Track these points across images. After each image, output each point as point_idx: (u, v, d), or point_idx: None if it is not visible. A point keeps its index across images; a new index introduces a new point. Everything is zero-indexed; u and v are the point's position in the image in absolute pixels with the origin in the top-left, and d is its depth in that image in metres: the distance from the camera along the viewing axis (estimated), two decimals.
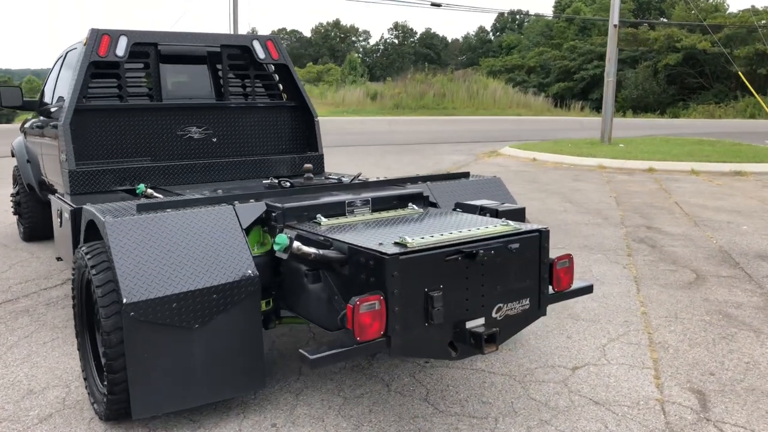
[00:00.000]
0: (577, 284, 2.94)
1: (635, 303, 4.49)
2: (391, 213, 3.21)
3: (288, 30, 76.86)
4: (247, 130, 5.02)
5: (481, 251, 2.48)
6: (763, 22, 40.53)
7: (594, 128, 20.14)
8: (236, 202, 3.04)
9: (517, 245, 2.61)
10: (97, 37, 4.36)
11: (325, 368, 3.39)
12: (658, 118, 39.77)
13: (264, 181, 4.07)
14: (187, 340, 2.64)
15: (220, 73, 4.96)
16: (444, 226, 2.81)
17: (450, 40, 79.86)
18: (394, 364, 3.48)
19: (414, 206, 3.33)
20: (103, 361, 2.72)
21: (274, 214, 3.01)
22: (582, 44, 49.26)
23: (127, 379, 2.58)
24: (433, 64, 60.05)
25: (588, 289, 3.02)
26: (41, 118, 5.50)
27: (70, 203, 3.81)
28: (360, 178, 4.15)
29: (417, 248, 2.39)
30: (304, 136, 5.25)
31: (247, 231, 2.99)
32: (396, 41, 76.74)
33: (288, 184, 3.82)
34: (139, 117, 4.57)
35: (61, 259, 4.25)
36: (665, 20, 50.44)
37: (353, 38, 77.94)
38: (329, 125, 25.64)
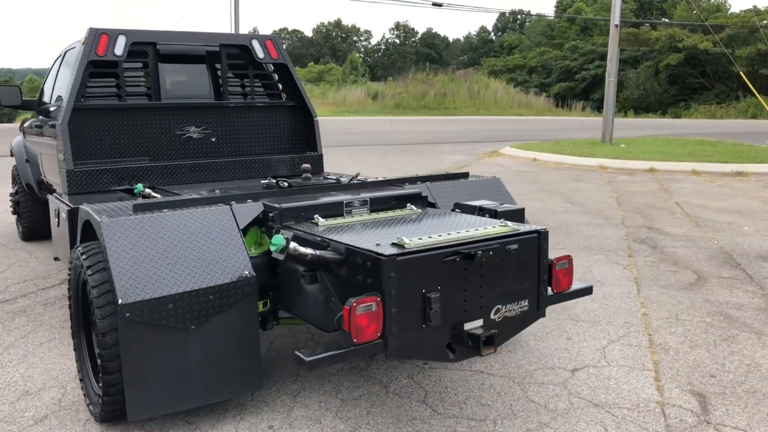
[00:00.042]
0: (576, 285, 2.91)
1: (636, 304, 4.46)
2: (390, 213, 3.19)
3: (289, 30, 76.92)
4: (246, 130, 5.00)
5: (480, 252, 2.46)
6: (765, 22, 40.45)
7: (595, 128, 20.10)
8: (233, 202, 3.02)
9: (515, 246, 2.58)
10: (95, 36, 4.34)
11: (323, 370, 3.37)
12: (660, 118, 39.71)
13: (262, 181, 4.05)
14: (183, 341, 2.62)
15: (219, 73, 4.94)
16: (442, 227, 2.78)
17: (451, 40, 79.90)
18: (392, 365, 3.46)
19: (412, 207, 3.31)
20: (98, 362, 2.70)
21: (271, 215, 2.98)
22: (583, 44, 49.22)
23: (123, 380, 2.56)
24: (435, 64, 60.02)
25: (587, 291, 3.00)
26: (40, 117, 5.48)
27: (68, 203, 3.79)
28: (358, 178, 4.13)
29: (414, 249, 2.36)
30: (304, 136, 5.23)
31: (245, 231, 2.97)
32: (397, 41, 76.74)
33: (286, 184, 3.79)
34: (137, 116, 4.55)
35: (59, 259, 4.24)
36: (667, 20, 50.38)
37: (354, 38, 77.95)
38: (330, 125, 25.63)
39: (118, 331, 2.52)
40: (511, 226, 2.74)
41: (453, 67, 58.66)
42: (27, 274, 5.36)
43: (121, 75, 4.47)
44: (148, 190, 4.02)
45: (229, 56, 4.89)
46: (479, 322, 2.51)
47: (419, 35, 77.19)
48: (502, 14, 70.81)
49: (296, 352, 2.25)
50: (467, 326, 2.48)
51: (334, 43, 74.47)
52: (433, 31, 78.60)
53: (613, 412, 2.95)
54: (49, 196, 4.41)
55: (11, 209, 6.77)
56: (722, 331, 3.96)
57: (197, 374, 2.67)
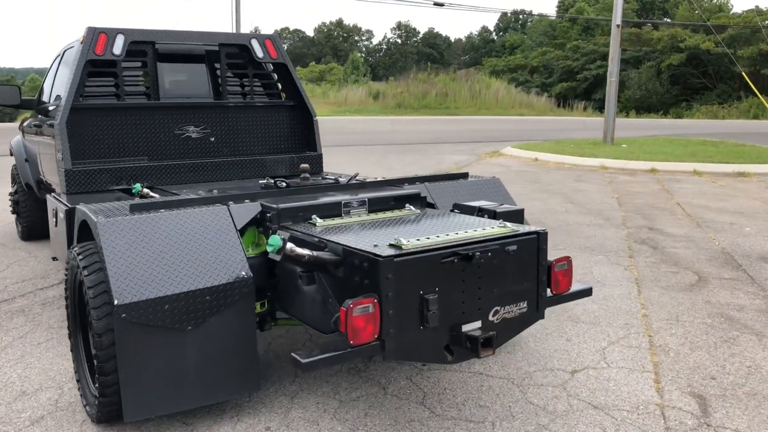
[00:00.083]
0: (576, 287, 2.90)
1: (636, 305, 4.44)
2: (388, 214, 3.17)
3: (291, 29, 76.89)
4: (246, 130, 4.98)
5: (478, 253, 2.44)
6: (767, 22, 40.37)
7: (597, 128, 20.08)
8: (231, 202, 3.01)
9: (514, 247, 2.57)
10: (93, 35, 4.33)
11: (321, 371, 3.35)
12: (661, 118, 39.66)
13: (260, 181, 4.03)
14: (179, 342, 2.61)
15: (218, 72, 4.93)
16: (441, 228, 2.77)
17: (453, 40, 79.82)
18: (390, 366, 3.44)
19: (411, 207, 3.29)
20: (95, 362, 2.69)
21: (269, 215, 2.97)
22: (585, 44, 49.16)
23: (119, 381, 2.55)
24: (436, 64, 60.00)
25: (587, 292, 2.98)
26: (39, 116, 5.47)
27: (66, 203, 3.77)
28: (357, 178, 4.11)
29: (412, 250, 2.35)
30: (303, 135, 5.21)
31: (242, 232, 2.96)
32: (399, 41, 76.71)
33: (284, 184, 3.78)
34: (136, 116, 4.53)
35: (57, 259, 4.22)
36: (669, 20, 50.29)
37: (356, 38, 77.94)
38: (331, 125, 25.64)
39: (114, 332, 2.50)
40: (510, 227, 2.72)
41: (454, 66, 58.61)
42: (26, 273, 5.35)
43: (119, 74, 4.46)
44: (146, 190, 4.00)
45: (228, 56, 4.87)
46: (477, 324, 2.50)
47: (421, 35, 77.17)
48: (504, 14, 70.79)
49: (292, 353, 2.24)
50: (465, 328, 2.47)
51: (336, 43, 74.46)
52: (435, 31, 78.59)
53: (613, 414, 2.93)
54: (48, 196, 4.40)
55: (11, 209, 6.76)
56: (723, 332, 3.94)
57: (194, 375, 2.65)
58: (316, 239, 2.66)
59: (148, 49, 4.59)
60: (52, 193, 4.45)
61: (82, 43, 4.34)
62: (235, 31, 23.11)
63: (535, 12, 79.58)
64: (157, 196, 3.82)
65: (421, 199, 3.39)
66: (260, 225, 3.04)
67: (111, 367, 2.55)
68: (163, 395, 2.62)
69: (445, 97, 42.64)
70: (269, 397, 3.10)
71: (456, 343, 2.47)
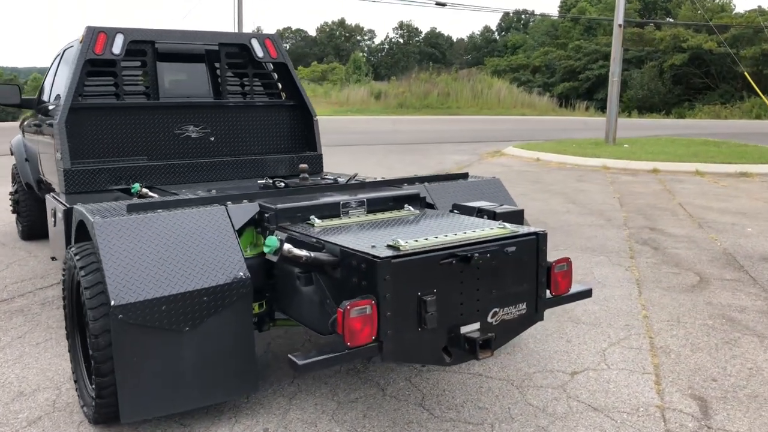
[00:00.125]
0: (575, 288, 2.88)
1: (637, 306, 4.42)
2: (387, 214, 3.16)
3: (293, 29, 76.91)
4: (246, 130, 4.97)
5: (477, 254, 2.43)
6: None
7: (599, 128, 20.04)
8: (229, 202, 2.99)
9: (513, 248, 2.55)
10: (93, 34, 4.32)
11: (319, 372, 3.34)
12: (664, 118, 39.60)
13: (259, 182, 4.02)
14: (176, 343, 2.59)
15: (218, 72, 4.91)
16: (440, 229, 2.75)
17: (455, 40, 79.81)
18: (389, 368, 3.42)
19: (410, 208, 3.28)
20: (91, 363, 2.68)
21: (267, 215, 2.95)
22: (587, 44, 49.12)
23: (116, 382, 2.54)
24: (438, 64, 59.99)
25: (587, 293, 2.96)
26: (39, 116, 5.46)
27: (64, 202, 3.76)
28: (356, 178, 4.09)
29: (410, 251, 2.33)
30: (303, 135, 5.20)
31: (240, 232, 2.94)
32: (401, 40, 76.69)
33: (282, 184, 3.76)
34: (135, 115, 4.52)
35: (56, 259, 4.21)
36: (671, 20, 50.23)
37: (358, 37, 77.92)
38: (333, 124, 25.64)
39: (111, 333, 2.49)
40: (510, 228, 2.70)
41: (456, 66, 58.63)
42: (26, 273, 5.35)
43: (119, 74, 4.45)
44: (145, 190, 3.99)
45: (228, 55, 4.86)
46: (476, 326, 2.48)
47: (423, 35, 77.12)
48: (506, 14, 70.72)
49: (289, 355, 2.22)
50: (464, 329, 2.45)
51: (338, 43, 74.46)
52: (437, 31, 78.53)
53: (613, 417, 2.92)
54: (47, 196, 4.39)
55: (11, 208, 6.76)
56: (724, 334, 3.92)
57: (191, 376, 2.64)
58: (314, 240, 2.64)
59: (148, 49, 4.57)
60: (51, 193, 4.44)
61: (81, 42, 4.33)
62: (237, 31, 23.12)
63: (537, 12, 79.53)
64: (156, 196, 3.81)
65: (421, 199, 3.37)
66: (258, 225, 3.02)
67: (108, 368, 2.54)
68: (161, 396, 2.61)
69: (447, 97, 42.63)
70: (267, 398, 3.09)
71: (454, 345, 2.45)
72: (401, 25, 77.19)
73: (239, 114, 4.93)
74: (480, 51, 70.56)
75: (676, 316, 4.24)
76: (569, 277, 2.79)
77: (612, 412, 2.96)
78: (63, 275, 3.05)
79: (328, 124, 22.94)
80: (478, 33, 78.03)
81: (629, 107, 42.25)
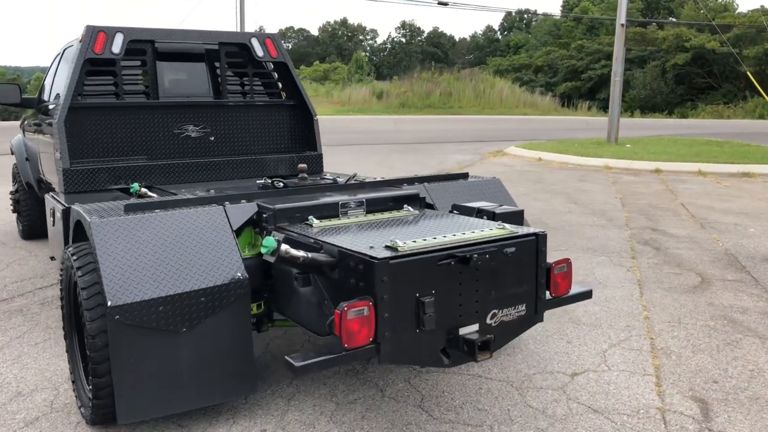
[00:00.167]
0: (575, 289, 2.86)
1: (638, 307, 4.40)
2: (386, 215, 3.14)
3: (295, 28, 76.85)
4: (246, 129, 4.95)
5: (475, 255, 2.41)
6: None
7: (601, 128, 19.99)
8: (227, 202, 2.98)
9: (512, 249, 2.53)
10: (92, 33, 4.31)
11: (318, 373, 3.32)
12: (666, 118, 39.51)
13: (258, 181, 4.00)
14: (174, 343, 2.58)
15: (218, 71, 4.90)
16: (439, 229, 2.73)
17: (457, 39, 79.71)
18: (389, 369, 3.41)
19: (410, 208, 3.26)
20: (89, 364, 2.67)
21: (265, 216, 2.94)
22: (590, 44, 49.04)
23: (113, 383, 2.52)
24: (440, 63, 59.96)
25: (587, 295, 2.94)
26: (39, 115, 5.46)
27: (63, 202, 3.75)
28: (356, 178, 4.08)
29: (408, 252, 2.31)
30: (303, 135, 5.18)
31: (238, 232, 2.93)
32: (403, 40, 76.62)
33: (281, 184, 3.75)
34: (135, 115, 4.51)
35: (55, 259, 4.21)
36: (674, 20, 50.13)
37: (360, 37, 77.87)
38: (335, 124, 25.63)
39: (108, 334, 2.48)
40: (509, 229, 2.68)
41: (458, 66, 58.57)
42: (26, 272, 5.34)
43: (118, 73, 4.43)
44: (144, 190, 3.98)
45: (228, 54, 4.85)
46: (475, 327, 2.46)
47: (425, 34, 77.05)
48: (509, 13, 70.65)
49: (286, 357, 2.21)
50: (462, 331, 2.43)
51: (340, 42, 74.40)
52: (440, 30, 78.47)
53: (613, 419, 2.90)
54: (46, 195, 4.38)
55: (11, 207, 6.75)
56: (726, 335, 3.90)
57: (189, 377, 2.63)
58: (312, 240, 2.63)
59: (148, 48, 4.56)
60: (51, 193, 4.43)
61: (81, 41, 4.32)
62: (239, 30, 23.12)
63: (539, 11, 79.43)
64: (155, 195, 3.80)
65: (420, 199, 3.35)
66: (257, 226, 3.01)
67: (105, 369, 2.53)
68: (158, 397, 2.59)
69: (449, 97, 42.61)
70: (266, 399, 3.08)
71: (453, 347, 2.44)
72: (404, 25, 77.14)
73: (239, 113, 4.92)
74: (482, 50, 70.49)
75: (677, 317, 4.21)
76: (569, 278, 2.77)
77: (612, 414, 2.94)
78: (60, 275, 3.04)
79: (329, 123, 22.94)
80: (481, 32, 77.97)
81: (632, 107, 42.19)
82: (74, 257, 2.75)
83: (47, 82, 5.60)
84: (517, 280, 2.57)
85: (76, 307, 2.97)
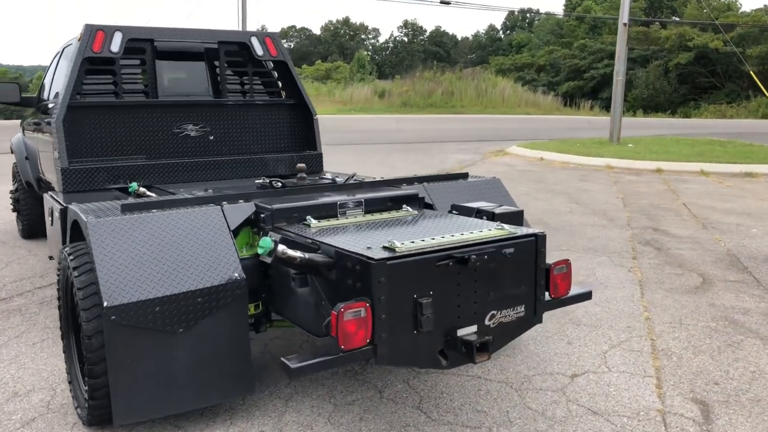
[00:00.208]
0: (575, 290, 2.84)
1: (639, 308, 4.38)
2: (385, 215, 3.12)
3: (297, 27, 76.83)
4: (245, 128, 4.93)
5: (474, 256, 2.39)
6: None
7: (603, 128, 19.93)
8: (224, 202, 2.96)
9: (511, 250, 2.51)
10: (91, 32, 4.29)
11: (315, 374, 3.31)
12: (669, 117, 39.43)
13: (256, 181, 3.99)
14: (170, 344, 2.57)
15: (217, 70, 4.88)
16: (437, 229, 2.71)
17: (460, 38, 79.67)
18: (387, 370, 3.39)
19: (409, 208, 3.24)
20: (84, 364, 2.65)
21: (263, 216, 2.92)
22: (592, 43, 48.96)
23: (109, 384, 2.51)
24: (442, 62, 59.86)
25: (587, 296, 2.92)
26: (39, 114, 5.45)
27: (61, 201, 3.74)
28: (355, 178, 4.06)
29: (406, 253, 2.29)
30: (303, 134, 5.17)
31: (236, 232, 2.91)
32: (405, 39, 76.57)
33: (280, 184, 3.73)
34: (134, 114, 4.49)
35: (54, 258, 4.19)
36: (677, 19, 49.99)
37: (363, 36, 77.85)
38: (336, 123, 25.60)
39: (104, 334, 2.46)
40: (508, 229, 2.66)
41: (461, 65, 58.50)
42: (25, 272, 5.33)
43: (117, 72, 4.42)
44: (142, 189, 3.97)
45: (227, 53, 4.83)
46: (473, 328, 2.44)
47: (427, 33, 77.02)
48: (511, 12, 70.59)
49: (282, 358, 2.19)
50: (460, 332, 2.41)
51: (342, 41, 74.36)
52: (442, 30, 78.45)
53: (612, 421, 2.87)
54: (44, 195, 4.37)
55: (11, 206, 6.75)
56: (727, 336, 3.87)
57: (185, 378, 2.61)
58: (309, 241, 2.61)
59: (147, 47, 4.55)
60: (49, 192, 4.42)
61: (79, 40, 4.30)
62: (241, 30, 23.10)
63: (542, 10, 79.23)
64: (153, 195, 3.79)
65: (419, 199, 3.33)
66: (254, 226, 2.99)
67: (101, 370, 2.52)
68: (154, 398, 2.58)
69: (451, 96, 42.56)
70: (263, 400, 3.06)
71: (451, 348, 2.42)
72: (406, 24, 77.09)
73: (239, 113, 4.90)
74: (484, 50, 70.42)
75: (678, 318, 4.19)
76: (569, 279, 2.75)
77: (612, 416, 2.92)
78: (58, 275, 3.02)
79: (331, 122, 22.92)
80: (483, 32, 77.93)
81: (634, 106, 42.11)
82: (71, 257, 2.74)
83: (47, 81, 5.59)
84: (515, 281, 2.55)
85: (72, 307, 2.95)
